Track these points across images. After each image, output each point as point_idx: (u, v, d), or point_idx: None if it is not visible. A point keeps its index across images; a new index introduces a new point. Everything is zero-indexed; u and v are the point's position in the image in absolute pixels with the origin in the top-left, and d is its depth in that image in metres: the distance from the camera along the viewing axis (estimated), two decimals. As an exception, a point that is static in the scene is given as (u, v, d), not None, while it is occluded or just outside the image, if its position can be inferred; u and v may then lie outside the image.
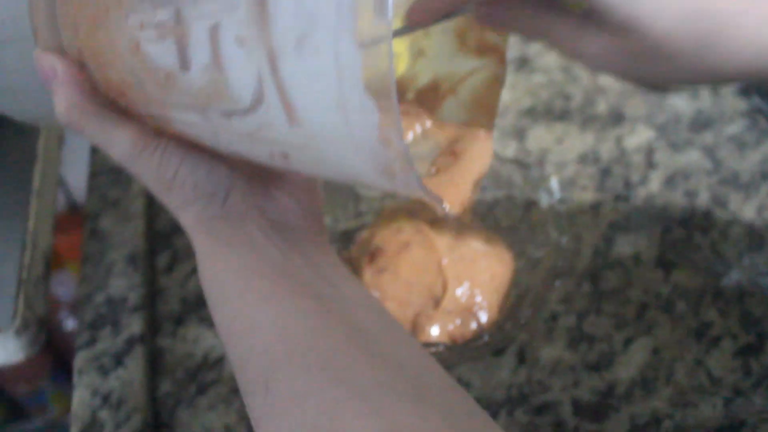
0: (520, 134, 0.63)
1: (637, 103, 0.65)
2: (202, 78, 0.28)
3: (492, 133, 0.41)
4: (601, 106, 0.65)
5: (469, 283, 0.49)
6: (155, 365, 0.52)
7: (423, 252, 0.49)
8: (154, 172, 0.34)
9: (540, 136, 0.63)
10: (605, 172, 0.61)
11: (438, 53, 0.42)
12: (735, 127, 0.64)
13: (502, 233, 0.53)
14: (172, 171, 0.34)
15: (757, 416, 0.50)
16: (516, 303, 0.50)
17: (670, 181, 0.61)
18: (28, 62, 0.36)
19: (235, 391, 0.51)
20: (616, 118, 0.64)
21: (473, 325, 0.48)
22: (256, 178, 0.36)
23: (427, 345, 0.45)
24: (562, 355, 0.52)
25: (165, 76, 0.30)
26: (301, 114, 0.27)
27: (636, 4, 0.32)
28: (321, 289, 0.33)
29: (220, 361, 0.52)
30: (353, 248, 0.53)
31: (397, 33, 0.38)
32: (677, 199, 0.60)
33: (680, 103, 0.65)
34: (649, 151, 0.62)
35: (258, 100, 0.28)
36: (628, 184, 0.60)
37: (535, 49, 0.69)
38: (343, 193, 0.56)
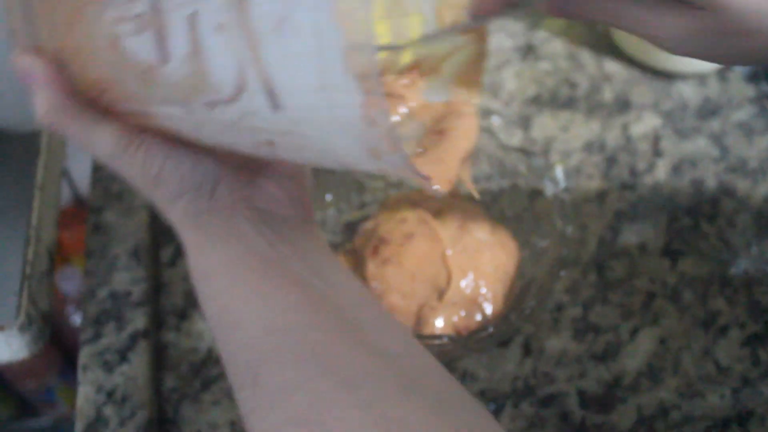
0: (525, 122, 0.62)
1: (644, 91, 0.64)
2: (182, 69, 0.28)
3: (476, 110, 0.40)
4: (607, 94, 0.64)
5: (473, 274, 0.48)
6: (159, 360, 0.52)
7: (427, 243, 0.49)
8: (139, 169, 0.34)
9: (545, 125, 0.62)
10: (611, 161, 0.60)
11: (417, 33, 0.41)
12: (742, 114, 0.63)
13: (506, 223, 0.53)
14: (157, 167, 0.34)
15: (766, 406, 0.49)
16: (521, 293, 0.49)
17: (676, 169, 0.60)
18: (4, 65, 0.35)
19: (240, 384, 0.51)
20: (622, 105, 0.64)
21: (478, 317, 0.48)
22: (242, 168, 0.36)
23: (432, 337, 0.45)
24: (568, 346, 0.52)
25: (145, 69, 0.29)
26: (284, 99, 0.27)
27: None
28: (309, 280, 0.33)
29: (224, 354, 0.52)
30: (357, 239, 0.53)
31: (458, 28, 0.37)
32: (684, 187, 0.59)
33: (687, 89, 0.64)
34: (655, 139, 0.62)
35: (240, 88, 0.27)
36: (634, 173, 0.60)
37: (540, 36, 0.68)
38: (346, 184, 0.56)
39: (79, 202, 0.88)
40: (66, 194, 0.87)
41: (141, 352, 0.50)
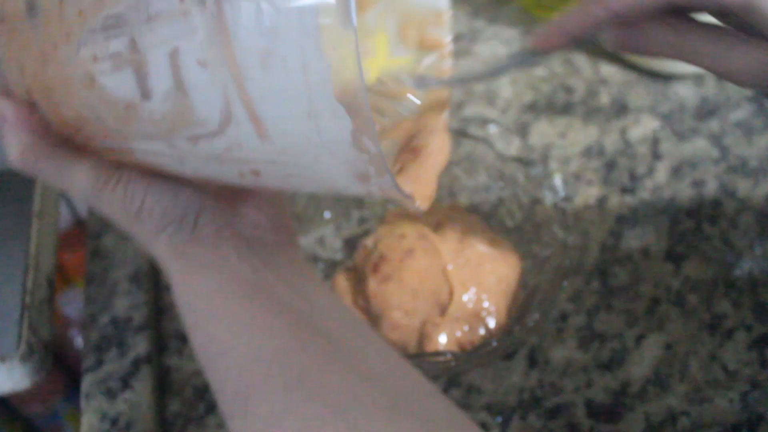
0: (522, 130, 0.62)
1: (641, 93, 0.64)
2: (165, 105, 0.28)
3: (446, 124, 0.40)
4: (604, 98, 0.64)
5: (475, 288, 0.48)
6: (163, 385, 0.51)
7: (427, 258, 0.49)
8: (119, 205, 0.33)
9: (543, 131, 0.62)
10: (610, 165, 0.60)
11: (381, 51, 0.41)
12: (741, 113, 0.63)
13: (507, 233, 0.53)
14: (138, 202, 0.33)
15: (776, 409, 0.49)
16: (524, 305, 0.49)
17: (676, 172, 0.60)
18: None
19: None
20: (620, 109, 0.63)
21: (481, 331, 0.48)
22: (222, 196, 0.36)
23: (436, 354, 0.45)
24: (574, 356, 0.51)
25: (125, 107, 0.29)
26: (271, 129, 0.27)
27: None
28: (295, 304, 0.33)
29: (228, 376, 0.52)
30: (357, 256, 0.53)
31: (517, 62, 0.37)
32: (684, 189, 0.59)
33: (685, 91, 0.64)
34: (654, 142, 0.61)
35: (226, 121, 0.27)
36: (633, 177, 0.59)
37: (533, 42, 0.67)
38: (345, 200, 0.55)
39: (79, 223, 0.88)
40: (66, 216, 0.87)
41: (144, 377, 0.50)
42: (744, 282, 0.54)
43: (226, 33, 0.26)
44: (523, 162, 0.53)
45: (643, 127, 0.62)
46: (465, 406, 0.49)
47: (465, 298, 0.48)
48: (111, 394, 0.50)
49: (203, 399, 0.51)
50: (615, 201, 0.58)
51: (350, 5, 0.24)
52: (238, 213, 0.36)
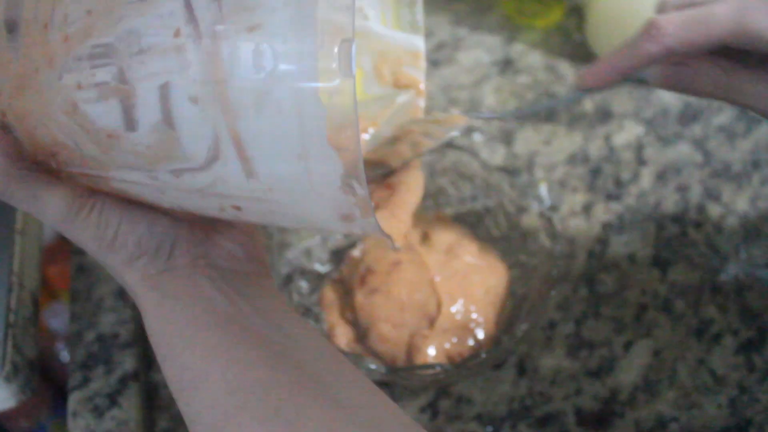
0: (507, 138, 0.62)
1: (624, 99, 0.64)
2: (150, 137, 0.27)
3: (420, 162, 0.41)
4: (588, 104, 0.64)
5: (463, 299, 0.48)
6: (151, 401, 0.51)
7: (414, 270, 0.48)
8: (93, 232, 0.33)
9: (528, 139, 0.62)
10: (595, 172, 0.60)
11: (358, 88, 0.42)
12: (723, 117, 0.63)
13: (493, 243, 0.53)
14: (112, 230, 0.33)
15: (764, 414, 0.49)
16: (512, 315, 0.49)
17: (661, 177, 0.60)
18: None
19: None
20: (604, 115, 0.63)
21: (470, 342, 0.48)
22: (197, 227, 0.35)
23: (425, 367, 0.45)
24: (562, 364, 0.51)
25: (107, 136, 0.28)
26: (259, 168, 0.26)
27: None
28: (270, 335, 0.33)
29: (217, 390, 0.51)
30: (344, 268, 0.52)
31: (566, 100, 0.38)
32: (669, 194, 0.59)
33: (667, 96, 0.64)
34: (638, 147, 0.62)
35: (213, 158, 0.27)
36: (619, 183, 0.60)
37: (517, 49, 0.68)
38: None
39: (63, 236, 0.87)
40: (50, 229, 0.86)
41: (131, 394, 0.50)
42: (730, 286, 0.54)
43: (222, 71, 0.25)
44: (509, 171, 0.53)
45: (627, 133, 0.62)
46: (455, 416, 0.49)
47: (453, 309, 0.48)
48: (98, 412, 0.49)
49: (192, 415, 0.50)
50: (601, 208, 0.58)
51: (352, 54, 0.24)
52: (213, 244, 0.35)
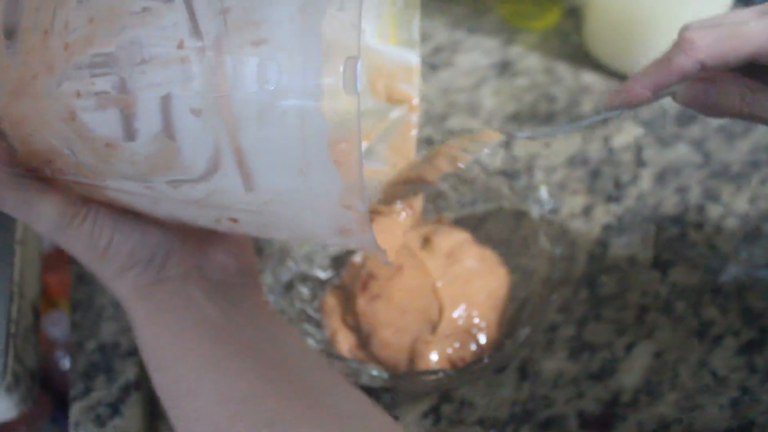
0: (506, 141, 0.62)
1: (622, 100, 0.64)
2: (149, 147, 0.27)
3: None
4: (586, 106, 0.64)
5: (465, 304, 0.48)
6: (153, 409, 0.51)
7: (416, 275, 0.48)
8: (86, 242, 0.32)
9: (527, 141, 0.62)
10: (595, 174, 0.60)
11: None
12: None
13: (494, 246, 0.53)
14: (105, 239, 0.33)
15: (766, 415, 0.49)
16: (514, 318, 0.49)
17: (660, 178, 0.60)
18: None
19: None
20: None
21: (472, 347, 0.48)
22: (190, 238, 0.35)
23: (427, 373, 0.45)
24: (564, 367, 0.51)
25: (105, 145, 0.28)
26: (259, 181, 0.26)
27: None
28: (263, 347, 0.33)
29: (219, 398, 0.51)
30: (345, 274, 0.52)
31: (601, 116, 0.38)
32: (669, 195, 0.59)
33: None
34: (637, 149, 0.62)
35: (213, 169, 0.27)
36: (618, 185, 0.60)
37: (515, 52, 0.68)
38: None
39: (62, 243, 0.86)
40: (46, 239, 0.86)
41: (133, 404, 0.50)
42: (730, 287, 0.54)
43: (225, 84, 0.25)
44: (508, 174, 0.53)
45: (626, 135, 0.62)
46: (458, 421, 0.49)
47: (455, 314, 0.47)
48: (100, 422, 0.49)
49: (194, 423, 0.50)
50: (601, 210, 0.58)
51: (356, 71, 0.24)
52: (206, 256, 0.35)
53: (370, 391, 0.49)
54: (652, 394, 0.50)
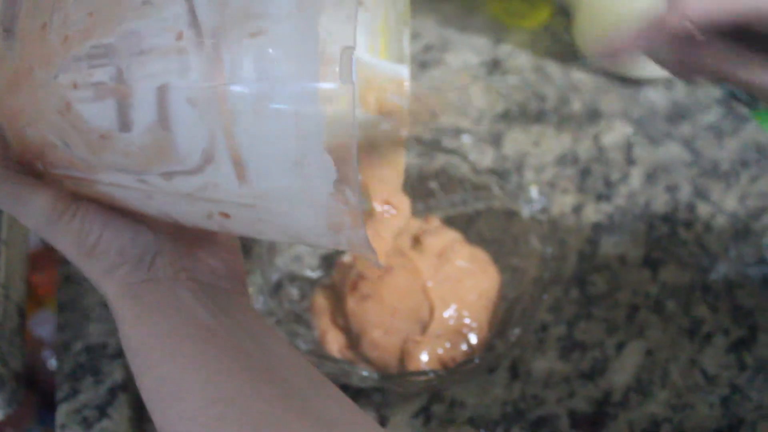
0: (496, 140, 0.62)
1: (612, 99, 0.64)
2: (144, 138, 0.27)
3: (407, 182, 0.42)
4: (576, 105, 0.64)
5: (456, 304, 0.48)
6: (141, 412, 0.50)
7: (406, 275, 0.48)
8: (74, 238, 0.32)
9: (517, 140, 0.62)
10: (585, 172, 0.60)
11: None
12: (711, 116, 0.63)
13: (485, 246, 0.52)
14: (94, 236, 0.32)
15: (756, 413, 0.49)
16: (505, 318, 0.49)
17: (650, 177, 0.60)
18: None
19: None
20: (592, 115, 0.63)
21: (463, 347, 0.47)
22: (181, 240, 0.35)
23: (418, 374, 0.44)
24: (555, 366, 0.51)
25: (100, 136, 0.28)
26: (253, 173, 0.26)
27: None
28: (251, 350, 0.33)
29: (207, 399, 0.51)
30: (335, 274, 0.52)
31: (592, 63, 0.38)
32: (659, 194, 0.59)
33: (655, 95, 0.64)
34: (627, 147, 0.62)
35: (207, 161, 0.27)
36: (608, 183, 0.60)
37: (505, 50, 0.67)
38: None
39: (48, 243, 0.86)
40: (35, 236, 0.85)
41: (121, 406, 0.49)
42: (720, 286, 0.54)
43: (222, 75, 0.25)
44: (498, 173, 0.53)
45: (616, 133, 0.62)
46: (448, 421, 0.49)
47: (446, 314, 0.47)
48: (87, 424, 0.49)
49: (183, 425, 0.50)
50: (591, 209, 0.58)
51: (352, 61, 0.24)
52: (196, 258, 0.35)
53: (361, 392, 0.49)
54: (642, 392, 0.50)
